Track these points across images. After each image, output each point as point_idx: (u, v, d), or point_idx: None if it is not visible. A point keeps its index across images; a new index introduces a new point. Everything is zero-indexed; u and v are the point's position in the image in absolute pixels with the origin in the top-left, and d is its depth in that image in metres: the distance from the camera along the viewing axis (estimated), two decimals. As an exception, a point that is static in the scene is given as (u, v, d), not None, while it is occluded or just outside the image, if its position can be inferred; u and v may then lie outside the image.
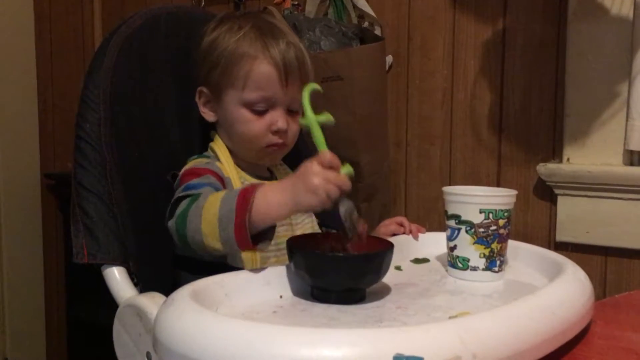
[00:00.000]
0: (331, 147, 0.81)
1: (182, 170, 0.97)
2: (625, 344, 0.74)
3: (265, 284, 0.81)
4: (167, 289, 0.75)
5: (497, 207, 0.88)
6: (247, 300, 0.77)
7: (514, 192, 0.91)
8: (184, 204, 0.86)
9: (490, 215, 0.88)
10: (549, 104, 1.42)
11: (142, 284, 0.90)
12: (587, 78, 1.35)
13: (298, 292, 0.82)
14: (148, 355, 0.76)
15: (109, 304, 0.86)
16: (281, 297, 0.80)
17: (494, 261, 0.90)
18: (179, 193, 0.90)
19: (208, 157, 1.02)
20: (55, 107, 2.25)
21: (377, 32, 1.55)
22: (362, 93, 1.41)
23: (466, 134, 1.52)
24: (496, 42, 1.47)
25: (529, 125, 1.45)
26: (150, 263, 0.95)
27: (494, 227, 0.88)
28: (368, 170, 1.45)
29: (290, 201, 0.78)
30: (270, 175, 1.09)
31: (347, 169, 0.80)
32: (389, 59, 1.57)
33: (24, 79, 2.23)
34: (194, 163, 0.98)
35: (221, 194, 0.83)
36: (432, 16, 1.55)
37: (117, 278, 0.89)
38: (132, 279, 0.90)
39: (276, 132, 0.98)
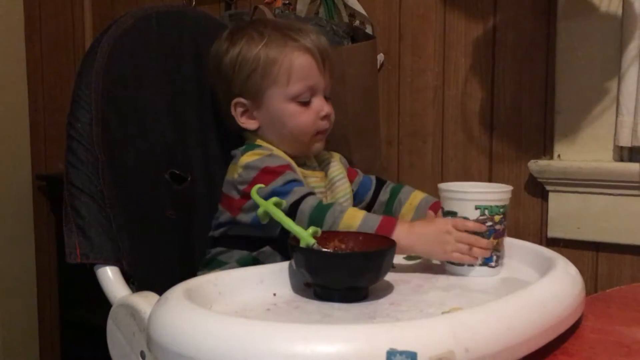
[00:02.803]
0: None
1: (256, 172, 0.95)
2: (615, 337, 0.75)
3: (259, 282, 0.81)
4: (162, 288, 0.75)
5: (493, 203, 0.88)
6: (240, 298, 0.77)
7: (509, 187, 0.91)
8: (307, 210, 0.88)
9: (486, 212, 0.88)
10: (540, 101, 1.43)
11: (137, 283, 0.90)
12: (577, 75, 1.35)
13: (292, 290, 0.82)
14: (142, 354, 0.76)
15: (102, 304, 0.86)
16: (275, 294, 0.80)
17: (491, 256, 0.90)
18: (262, 194, 0.87)
19: (260, 147, 1.02)
20: (46, 108, 2.24)
21: (368, 30, 1.55)
22: (354, 91, 1.41)
23: (457, 131, 1.53)
24: (486, 39, 1.48)
25: (519, 122, 1.45)
26: (144, 262, 0.95)
27: (490, 223, 0.88)
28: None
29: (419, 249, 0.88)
30: (318, 165, 1.10)
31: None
32: (381, 57, 1.58)
33: (14, 80, 2.22)
34: (259, 159, 0.96)
35: (358, 217, 0.87)
36: (423, 14, 1.55)
37: (110, 278, 0.89)
38: (126, 278, 0.90)
39: (324, 118, 1.02)
